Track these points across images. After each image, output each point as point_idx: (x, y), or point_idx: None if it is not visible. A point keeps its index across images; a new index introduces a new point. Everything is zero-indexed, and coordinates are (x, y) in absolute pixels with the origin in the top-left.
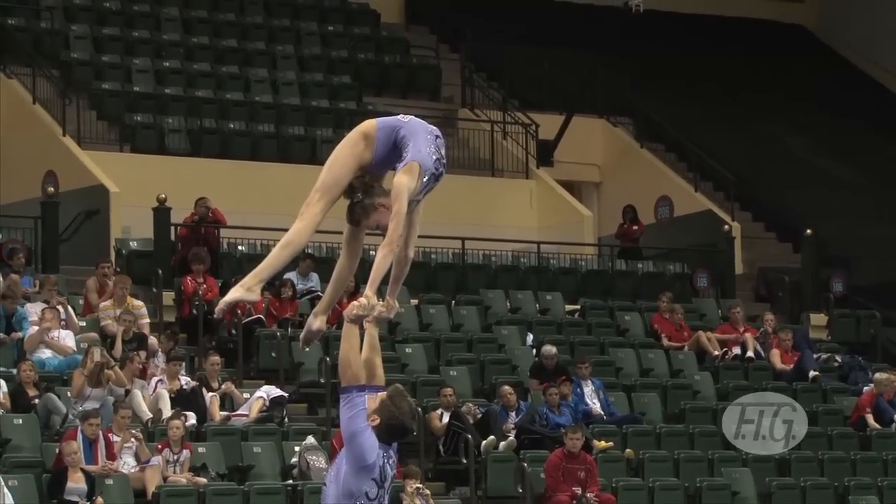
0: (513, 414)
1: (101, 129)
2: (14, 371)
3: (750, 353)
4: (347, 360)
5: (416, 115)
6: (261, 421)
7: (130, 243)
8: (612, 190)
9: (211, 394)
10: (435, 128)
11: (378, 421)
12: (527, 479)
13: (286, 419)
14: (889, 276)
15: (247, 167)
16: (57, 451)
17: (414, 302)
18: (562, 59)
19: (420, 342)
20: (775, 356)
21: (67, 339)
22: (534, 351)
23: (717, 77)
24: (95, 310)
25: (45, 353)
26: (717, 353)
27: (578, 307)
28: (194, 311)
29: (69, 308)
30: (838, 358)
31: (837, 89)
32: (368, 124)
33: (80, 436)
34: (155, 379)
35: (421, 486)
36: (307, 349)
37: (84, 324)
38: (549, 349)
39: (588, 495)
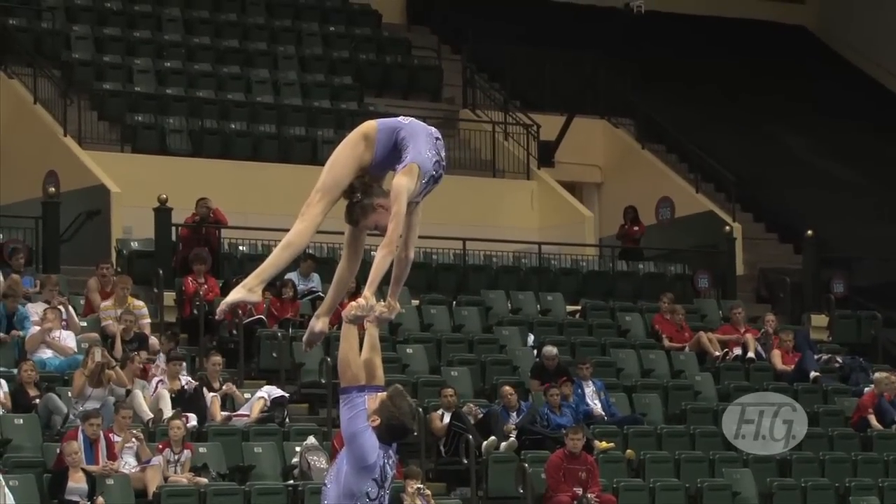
0: (514, 414)
1: (103, 130)
2: (15, 371)
3: (751, 354)
4: (347, 361)
5: (417, 116)
6: (262, 421)
7: (131, 243)
8: (613, 191)
9: (212, 394)
10: (435, 129)
11: (378, 421)
12: (528, 479)
13: (287, 419)
14: (890, 276)
15: (248, 168)
16: (58, 451)
17: (415, 302)
18: (563, 60)
19: (421, 343)
20: (776, 357)
21: (68, 339)
22: (535, 351)
23: (719, 78)
24: (96, 310)
25: (46, 353)
26: (717, 353)
27: (579, 308)
28: (195, 312)
29: (70, 308)
30: (839, 359)
31: (838, 90)
32: (369, 125)
33: (80, 436)
34: (156, 379)
35: (422, 486)
36: (309, 351)
37: (85, 324)
38: (550, 350)
39: (589, 496)
